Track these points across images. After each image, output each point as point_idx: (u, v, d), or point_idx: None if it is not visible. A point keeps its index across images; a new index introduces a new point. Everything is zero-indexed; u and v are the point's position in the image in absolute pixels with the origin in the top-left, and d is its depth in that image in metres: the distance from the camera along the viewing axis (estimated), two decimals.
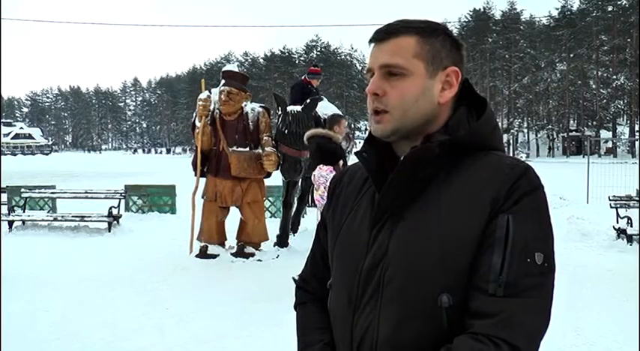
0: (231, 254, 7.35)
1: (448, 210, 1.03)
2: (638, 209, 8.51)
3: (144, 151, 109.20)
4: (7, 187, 11.73)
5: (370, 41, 1.13)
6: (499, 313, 0.96)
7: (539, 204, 1.03)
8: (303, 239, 8.15)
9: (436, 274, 1.01)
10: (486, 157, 1.08)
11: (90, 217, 9.59)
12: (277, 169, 7.51)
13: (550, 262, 1.01)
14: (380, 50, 1.10)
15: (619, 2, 55.37)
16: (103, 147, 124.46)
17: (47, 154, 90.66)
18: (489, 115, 1.12)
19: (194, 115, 7.63)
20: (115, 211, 9.65)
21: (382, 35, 1.11)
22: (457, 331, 1.00)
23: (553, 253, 1.02)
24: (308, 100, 7.69)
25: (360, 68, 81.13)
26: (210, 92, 7.48)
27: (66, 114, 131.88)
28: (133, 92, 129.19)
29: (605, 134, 57.35)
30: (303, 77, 8.97)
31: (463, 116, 1.12)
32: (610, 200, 9.08)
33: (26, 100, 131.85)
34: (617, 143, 51.62)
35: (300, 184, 8.45)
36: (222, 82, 7.37)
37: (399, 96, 1.08)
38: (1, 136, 75.16)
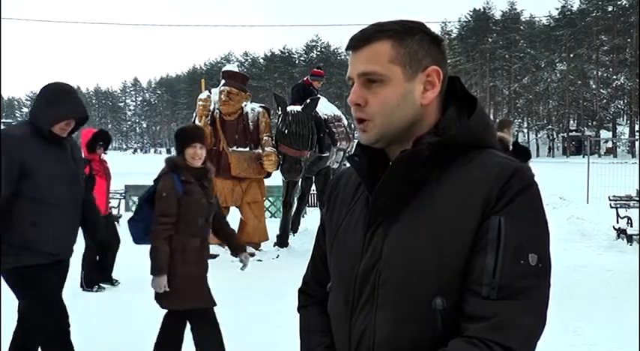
0: (232, 254, 7.34)
1: (441, 212, 1.02)
2: (638, 209, 8.51)
3: (142, 151, 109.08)
4: None
5: (347, 49, 1.12)
6: (493, 316, 0.95)
7: (532, 203, 1.02)
8: (303, 239, 8.16)
9: (430, 276, 1.01)
10: (479, 156, 1.06)
11: None
12: (277, 169, 7.52)
13: (545, 262, 0.99)
14: (356, 58, 1.09)
15: (619, 2, 55.38)
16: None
17: None
18: (480, 113, 1.10)
19: (194, 115, 7.64)
20: (115, 211, 9.66)
21: (356, 43, 1.09)
22: (452, 334, 0.99)
23: (548, 253, 1.01)
24: (308, 100, 7.70)
25: None
26: (210, 92, 7.49)
27: None
28: (133, 92, 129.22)
29: (605, 134, 57.36)
30: (305, 78, 8.97)
31: (454, 116, 1.11)
32: (610, 200, 9.09)
33: (26, 100, 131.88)
34: (617, 143, 51.62)
35: (300, 184, 8.46)
36: (223, 82, 7.38)
37: (380, 103, 1.07)
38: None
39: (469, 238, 1.00)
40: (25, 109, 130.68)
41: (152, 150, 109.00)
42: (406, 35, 1.08)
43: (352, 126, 9.72)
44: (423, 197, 1.05)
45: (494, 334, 0.95)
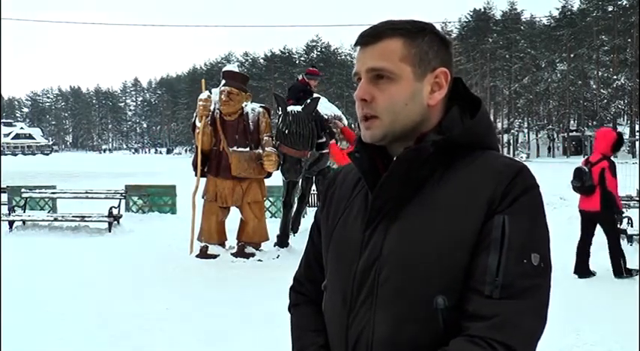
0: (232, 254, 7.36)
1: (443, 210, 1.02)
2: (638, 209, 8.50)
3: (140, 151, 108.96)
4: (8, 187, 11.76)
5: (356, 45, 1.11)
6: (495, 316, 0.95)
7: (535, 204, 1.02)
8: (304, 239, 8.09)
9: (431, 275, 1.00)
10: (482, 156, 1.06)
11: (90, 217, 9.59)
12: (277, 169, 7.51)
13: (546, 262, 1.00)
14: (366, 54, 1.09)
15: (619, 2, 55.30)
16: (104, 147, 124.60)
17: (47, 155, 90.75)
18: (484, 113, 1.11)
19: (194, 115, 7.63)
20: (115, 211, 9.65)
21: (367, 39, 1.09)
22: (453, 333, 0.99)
23: (549, 254, 1.02)
24: (308, 100, 7.69)
25: None
26: (210, 92, 7.49)
27: (66, 114, 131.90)
28: (133, 92, 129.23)
29: None
30: (300, 77, 8.93)
31: (457, 116, 1.10)
32: None
33: (26, 100, 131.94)
34: None
35: (300, 184, 8.45)
36: (223, 82, 7.38)
37: (387, 100, 1.07)
38: (2, 136, 75.13)
39: (472, 236, 1.00)
40: (26, 109, 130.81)
41: (152, 150, 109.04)
42: (417, 35, 1.08)
43: (352, 126, 9.70)
44: (425, 195, 1.05)
45: (496, 334, 0.94)
